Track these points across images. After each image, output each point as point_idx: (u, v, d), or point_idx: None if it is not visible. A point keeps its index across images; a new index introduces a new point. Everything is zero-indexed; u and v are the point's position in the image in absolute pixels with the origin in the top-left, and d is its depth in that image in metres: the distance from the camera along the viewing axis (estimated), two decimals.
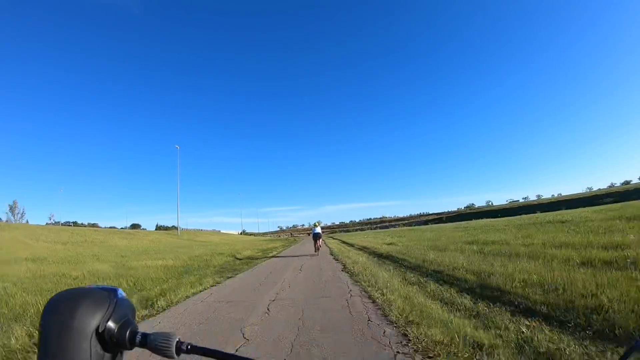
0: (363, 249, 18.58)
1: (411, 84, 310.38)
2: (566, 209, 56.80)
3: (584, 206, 59.90)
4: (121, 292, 0.62)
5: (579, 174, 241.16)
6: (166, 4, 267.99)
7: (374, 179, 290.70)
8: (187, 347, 0.59)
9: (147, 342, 0.58)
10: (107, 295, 0.59)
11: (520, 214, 70.77)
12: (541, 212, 59.94)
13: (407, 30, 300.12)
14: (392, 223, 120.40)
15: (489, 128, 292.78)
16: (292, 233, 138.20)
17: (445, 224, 56.56)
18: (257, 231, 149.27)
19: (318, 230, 17.12)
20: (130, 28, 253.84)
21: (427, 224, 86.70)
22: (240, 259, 16.24)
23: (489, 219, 52.75)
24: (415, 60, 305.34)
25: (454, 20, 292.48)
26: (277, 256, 18.03)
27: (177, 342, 0.59)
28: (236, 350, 3.43)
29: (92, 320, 0.55)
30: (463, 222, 52.72)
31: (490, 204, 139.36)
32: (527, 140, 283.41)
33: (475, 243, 12.72)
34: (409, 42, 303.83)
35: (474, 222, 43.83)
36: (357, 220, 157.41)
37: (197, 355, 0.61)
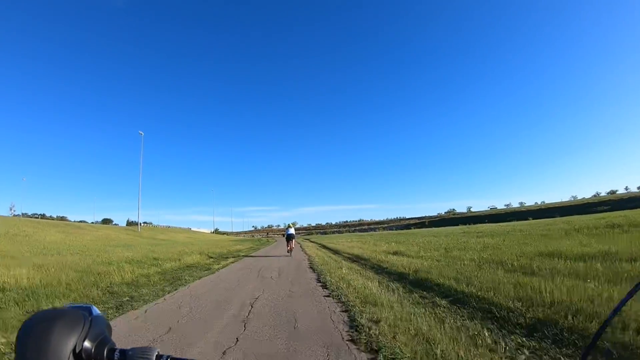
0: (358, 260, 13.19)
1: (391, 89, 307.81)
2: (560, 215, 54.11)
3: (578, 213, 57.57)
4: (95, 310, 0.61)
5: (558, 183, 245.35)
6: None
7: (351, 182, 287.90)
8: (166, 359, 0.58)
9: (126, 358, 0.57)
10: (81, 314, 0.57)
11: (509, 220, 68.25)
12: (533, 219, 56.97)
13: (396, 35, 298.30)
14: (372, 226, 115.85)
15: (468, 135, 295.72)
16: (269, 233, 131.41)
17: (439, 229, 52.16)
18: (230, 230, 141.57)
19: (292, 231, 17.02)
20: (104, 19, 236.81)
21: (410, 228, 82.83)
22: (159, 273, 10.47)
23: (491, 224, 48.64)
24: (395, 65, 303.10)
25: (438, 26, 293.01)
26: (235, 262, 12.35)
27: (157, 355, 0.57)
28: None
29: (69, 341, 0.53)
30: (458, 227, 48.63)
31: (470, 209, 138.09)
32: (506, 148, 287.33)
33: (560, 256, 7.61)
34: (395, 47, 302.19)
35: (484, 227, 39.08)
36: (334, 223, 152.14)
37: None
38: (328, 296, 5.97)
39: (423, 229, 70.46)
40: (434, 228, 66.29)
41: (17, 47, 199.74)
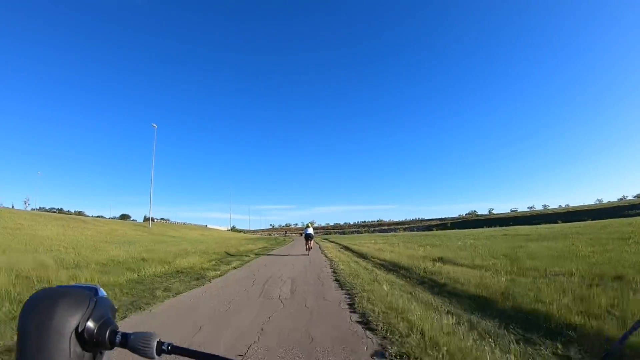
0: (395, 269, 10.25)
1: (411, 87, 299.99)
2: (592, 219, 49.12)
3: (609, 217, 52.35)
4: (102, 291, 0.60)
5: (579, 186, 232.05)
6: None
7: (368, 182, 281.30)
8: (167, 347, 0.57)
9: (127, 342, 0.57)
10: (86, 294, 0.57)
11: (537, 223, 63.28)
12: (563, 222, 52.18)
13: (414, 33, 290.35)
14: (392, 227, 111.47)
15: (489, 136, 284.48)
16: (287, 232, 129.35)
17: (466, 231, 48.20)
18: (247, 228, 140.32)
19: (310, 231, 17.09)
20: (123, 12, 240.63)
21: (431, 229, 78.40)
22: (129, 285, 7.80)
23: (525, 226, 44.45)
24: (416, 62, 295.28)
25: (459, 21, 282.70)
26: (240, 267, 9.63)
27: (158, 342, 0.57)
28: None
29: (71, 319, 0.53)
30: (489, 229, 44.48)
31: (491, 211, 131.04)
32: (526, 149, 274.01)
33: None
34: (415, 43, 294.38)
35: (523, 229, 35.11)
36: (352, 222, 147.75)
37: (177, 355, 0.58)
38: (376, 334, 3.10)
39: (447, 230, 66.20)
40: (458, 230, 62.13)
41: (33, 40, 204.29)
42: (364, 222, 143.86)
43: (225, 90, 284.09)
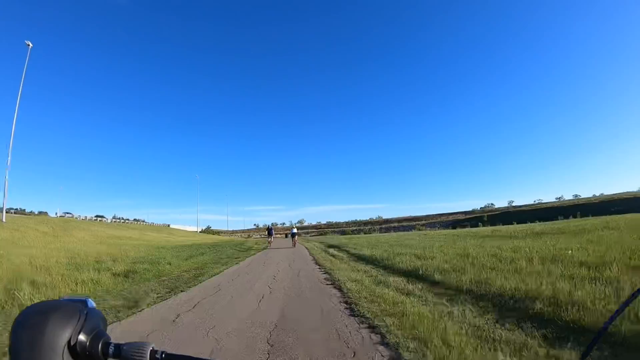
0: None
1: (407, 83, 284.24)
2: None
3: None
4: (91, 302, 0.61)
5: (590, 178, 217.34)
6: None
7: (360, 181, 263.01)
8: (161, 355, 0.58)
9: (120, 352, 0.57)
10: (77, 306, 0.58)
11: (572, 215, 48.09)
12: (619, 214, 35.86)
13: (406, 28, 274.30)
14: (403, 224, 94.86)
15: (496, 128, 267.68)
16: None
17: (520, 226, 31.71)
18: (226, 228, 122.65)
19: (295, 231, 25.62)
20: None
21: (454, 227, 62.35)
22: None
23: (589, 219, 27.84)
24: (413, 57, 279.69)
25: (460, 10, 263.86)
26: None
27: (151, 350, 0.58)
28: None
29: (63, 333, 0.53)
30: (559, 222, 27.76)
31: (511, 203, 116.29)
32: (538, 142, 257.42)
33: None
34: (408, 38, 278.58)
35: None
36: (353, 220, 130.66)
37: None
38: None
39: (485, 227, 49.68)
40: (502, 226, 45.15)
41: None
42: (370, 219, 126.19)
43: (200, 90, 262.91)
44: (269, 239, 25.44)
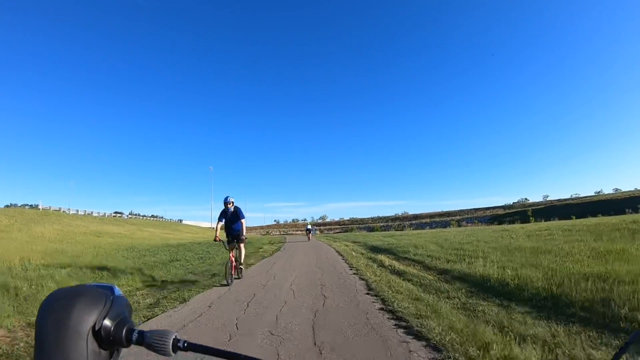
0: None
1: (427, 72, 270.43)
2: None
3: None
4: (117, 290, 0.62)
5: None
6: None
7: (383, 178, 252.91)
8: (183, 344, 0.58)
9: (143, 339, 0.58)
10: (103, 293, 0.58)
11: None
12: None
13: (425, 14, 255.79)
14: (436, 220, 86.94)
15: (524, 117, 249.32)
16: (290, 229, 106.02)
17: (597, 220, 22.74)
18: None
19: (310, 227, 35.34)
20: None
21: (492, 222, 54.88)
22: None
23: None
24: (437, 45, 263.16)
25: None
26: None
27: (174, 339, 0.58)
28: None
29: (89, 318, 0.54)
30: None
31: (547, 198, 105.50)
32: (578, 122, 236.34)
33: None
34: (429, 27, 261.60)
35: None
36: (378, 216, 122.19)
37: (193, 352, 0.62)
38: None
39: (537, 222, 41.98)
40: (559, 221, 36.96)
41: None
42: (396, 215, 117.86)
43: (218, 78, 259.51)
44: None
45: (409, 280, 7.20)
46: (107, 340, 0.55)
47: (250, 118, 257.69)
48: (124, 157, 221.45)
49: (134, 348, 0.60)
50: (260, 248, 19.47)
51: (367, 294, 6.07)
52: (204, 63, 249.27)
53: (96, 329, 0.54)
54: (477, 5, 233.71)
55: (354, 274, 8.54)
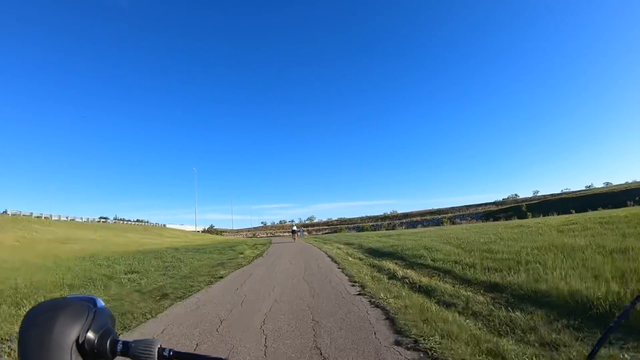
0: None
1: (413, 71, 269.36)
2: None
3: None
4: (100, 301, 0.61)
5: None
6: None
7: (370, 178, 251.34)
8: (169, 353, 0.58)
9: (128, 350, 0.57)
10: (85, 305, 0.58)
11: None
12: None
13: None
14: (427, 218, 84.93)
15: (511, 114, 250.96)
16: (276, 231, 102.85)
17: (595, 214, 20.90)
18: (231, 227, 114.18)
19: (295, 228, 33.90)
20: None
21: (488, 219, 53.40)
22: None
23: None
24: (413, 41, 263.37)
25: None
26: None
27: (159, 348, 0.58)
28: None
29: (72, 331, 0.54)
30: None
31: (537, 194, 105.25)
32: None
33: None
34: (401, 28, 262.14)
35: None
36: (367, 216, 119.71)
37: None
38: None
39: (534, 218, 40.37)
40: (558, 216, 35.32)
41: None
42: (385, 214, 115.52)
43: (207, 82, 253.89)
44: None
45: (448, 306, 4.70)
46: (91, 353, 0.54)
47: (236, 121, 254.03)
48: (111, 162, 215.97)
49: (119, 359, 0.58)
50: (241, 253, 16.79)
51: (397, 342, 3.56)
52: (187, 66, 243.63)
53: (80, 342, 0.53)
54: (465, 3, 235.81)
55: (359, 293, 6.06)
